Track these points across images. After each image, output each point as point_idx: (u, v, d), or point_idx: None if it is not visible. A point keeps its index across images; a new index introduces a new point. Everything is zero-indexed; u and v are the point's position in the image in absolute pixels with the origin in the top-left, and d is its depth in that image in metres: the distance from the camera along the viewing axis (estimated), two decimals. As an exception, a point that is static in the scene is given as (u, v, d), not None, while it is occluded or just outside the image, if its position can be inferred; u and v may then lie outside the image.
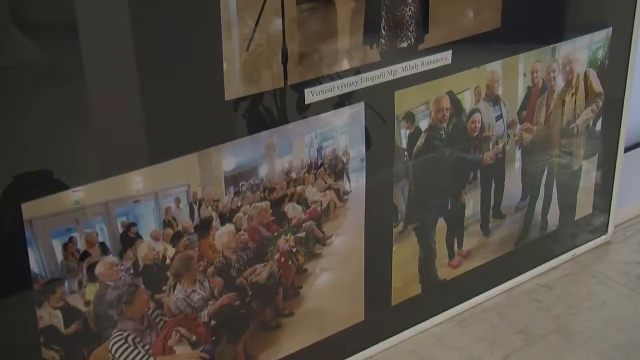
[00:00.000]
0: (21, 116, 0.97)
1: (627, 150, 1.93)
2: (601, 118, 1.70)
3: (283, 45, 1.16)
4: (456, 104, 1.42)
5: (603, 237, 1.83)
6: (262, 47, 1.14)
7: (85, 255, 1.08)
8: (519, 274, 1.69)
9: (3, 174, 0.99)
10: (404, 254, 1.46)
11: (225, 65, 1.12)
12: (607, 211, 1.82)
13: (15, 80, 0.96)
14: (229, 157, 1.17)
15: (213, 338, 1.24)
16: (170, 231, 1.14)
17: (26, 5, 0.95)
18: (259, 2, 1.11)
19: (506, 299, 1.65)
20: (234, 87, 1.14)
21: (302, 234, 1.30)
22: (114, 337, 1.13)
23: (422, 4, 1.29)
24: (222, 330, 1.25)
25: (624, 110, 1.72)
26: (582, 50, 1.59)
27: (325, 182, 1.30)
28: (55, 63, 0.99)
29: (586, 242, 1.81)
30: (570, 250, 1.78)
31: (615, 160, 1.78)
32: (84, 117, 1.04)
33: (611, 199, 1.81)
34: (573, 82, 1.60)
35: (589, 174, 1.75)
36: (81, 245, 1.07)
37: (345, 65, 1.24)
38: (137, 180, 1.09)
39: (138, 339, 1.15)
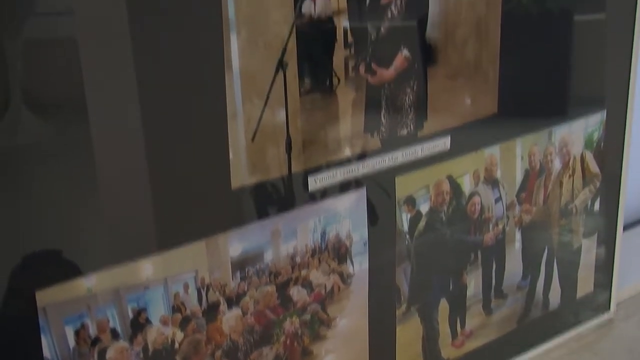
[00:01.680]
0: (32, 198, 1.01)
1: (626, 228, 1.96)
2: (599, 197, 1.74)
3: (287, 135, 1.21)
4: (456, 187, 1.46)
5: (605, 314, 1.85)
6: (267, 137, 1.19)
7: (96, 340, 1.10)
8: (522, 353, 1.71)
9: (14, 258, 1.01)
10: (408, 335, 1.49)
11: (231, 155, 1.16)
12: (609, 289, 1.84)
13: (25, 160, 0.99)
14: (236, 243, 1.21)
15: (220, 421, 1.26)
16: (179, 316, 1.18)
17: (38, 87, 0.99)
18: (263, 95, 1.17)
19: (510, 378, 1.67)
20: (240, 176, 1.18)
21: (307, 317, 1.33)
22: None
23: (420, 92, 1.35)
24: (230, 412, 1.27)
25: (621, 189, 1.76)
26: (577, 133, 1.64)
27: (329, 266, 1.33)
28: (65, 146, 1.02)
29: (589, 320, 1.83)
30: (572, 328, 1.79)
31: (615, 238, 1.81)
32: (95, 203, 1.07)
33: (612, 277, 1.83)
34: (570, 164, 1.65)
35: (589, 252, 1.78)
36: (93, 331, 1.10)
37: (347, 152, 1.29)
38: (147, 267, 1.13)
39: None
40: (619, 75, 1.68)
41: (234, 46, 1.12)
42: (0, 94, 0.96)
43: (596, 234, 1.78)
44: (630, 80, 1.69)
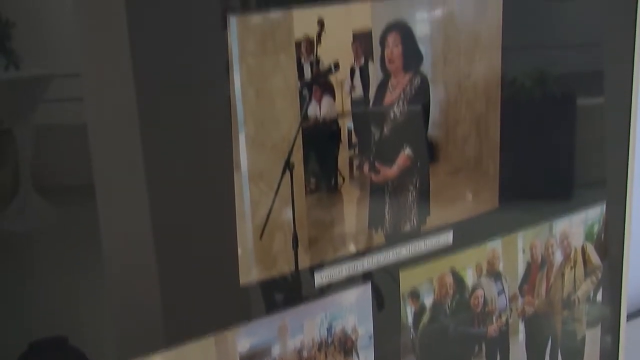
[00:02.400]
0: (38, 284, 1.03)
1: (629, 317, 1.97)
2: (601, 288, 1.76)
3: (294, 232, 1.25)
4: (459, 280, 1.49)
5: (612, 405, 1.86)
6: (274, 234, 1.23)
7: None
8: None
9: (20, 346, 1.03)
10: None
11: (240, 252, 1.20)
12: (614, 379, 1.85)
13: (33, 245, 1.03)
14: (244, 339, 1.23)
15: None
16: (187, 412, 1.19)
17: (47, 172, 1.04)
18: (271, 195, 1.21)
19: None
20: (248, 272, 1.22)
21: (314, 410, 1.34)
22: None
23: (423, 189, 1.39)
24: None
25: (623, 279, 1.79)
26: (578, 226, 1.68)
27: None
28: (73, 233, 1.05)
29: (595, 411, 1.83)
30: (579, 418, 1.80)
31: (619, 328, 1.82)
32: (102, 296, 1.10)
33: (618, 367, 1.85)
34: (571, 256, 1.68)
35: (593, 343, 1.80)
36: None
37: (352, 248, 1.33)
38: (156, 364, 1.15)
39: None
40: (617, 165, 1.72)
41: (243, 147, 1.17)
42: (10, 179, 1.00)
43: (600, 324, 1.80)
44: (629, 171, 1.73)
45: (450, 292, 1.49)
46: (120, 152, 1.08)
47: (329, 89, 1.24)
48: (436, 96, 1.37)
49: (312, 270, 1.29)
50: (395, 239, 1.38)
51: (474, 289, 1.53)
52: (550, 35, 1.56)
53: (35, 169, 1.03)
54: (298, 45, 1.19)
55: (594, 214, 1.70)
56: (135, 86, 1.06)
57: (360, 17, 1.25)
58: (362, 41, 1.26)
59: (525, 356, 1.67)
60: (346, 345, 1.37)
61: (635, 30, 1.66)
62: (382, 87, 1.30)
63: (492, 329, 1.57)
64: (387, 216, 1.37)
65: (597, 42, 1.65)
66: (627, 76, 1.68)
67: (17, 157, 1.01)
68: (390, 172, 1.35)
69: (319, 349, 1.34)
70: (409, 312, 1.44)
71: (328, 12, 1.21)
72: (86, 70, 1.03)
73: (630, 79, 1.68)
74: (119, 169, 1.08)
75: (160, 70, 1.08)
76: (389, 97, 1.31)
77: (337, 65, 1.23)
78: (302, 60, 1.20)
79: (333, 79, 1.24)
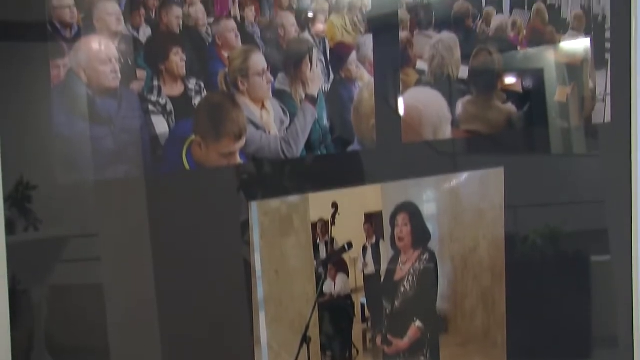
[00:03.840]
0: None
1: None
2: None
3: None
4: None
5: None
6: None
7: None
8: None
9: None
10: None
11: None
12: None
13: None
14: None
15: None
16: None
17: (62, 332, 1.09)
18: (289, 368, 1.27)
19: None
20: None
21: None
22: None
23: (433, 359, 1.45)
24: None
25: None
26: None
27: None
28: None
29: None
30: None
31: None
32: None
33: None
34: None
35: None
36: None
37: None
38: None
39: None
40: (626, 324, 1.77)
41: (262, 324, 1.24)
42: (25, 339, 1.05)
43: None
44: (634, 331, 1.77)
45: None
46: (136, 316, 1.15)
47: (343, 267, 1.33)
48: (444, 271, 1.45)
49: None
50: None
51: None
52: (555, 195, 1.63)
53: (49, 329, 1.09)
54: (314, 226, 1.29)
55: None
56: (155, 275, 1.16)
57: (372, 199, 1.36)
58: (373, 221, 1.36)
59: None
60: None
61: (631, 189, 1.73)
62: (393, 263, 1.39)
63: None
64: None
65: (600, 199, 1.72)
66: (627, 233, 1.75)
67: (32, 318, 1.06)
68: (402, 344, 1.41)
69: None
70: None
71: (342, 195, 1.32)
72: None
73: (630, 237, 1.75)
74: (134, 329, 1.15)
75: (182, 251, 1.18)
76: (399, 273, 1.40)
77: (350, 245, 1.33)
78: (318, 240, 1.30)
79: (347, 257, 1.33)
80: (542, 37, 1.54)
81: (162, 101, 1.16)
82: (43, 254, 1.10)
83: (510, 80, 1.50)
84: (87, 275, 1.13)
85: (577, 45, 1.59)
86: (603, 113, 1.63)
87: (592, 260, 1.71)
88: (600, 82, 1.62)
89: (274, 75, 1.25)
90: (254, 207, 1.23)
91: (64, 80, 1.10)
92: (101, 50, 1.12)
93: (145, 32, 1.15)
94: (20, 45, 1.08)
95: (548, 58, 1.56)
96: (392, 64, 1.36)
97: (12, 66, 1.07)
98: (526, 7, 1.52)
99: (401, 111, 1.37)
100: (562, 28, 1.56)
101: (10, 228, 1.06)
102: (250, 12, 1.22)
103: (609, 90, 1.63)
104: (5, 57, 1.06)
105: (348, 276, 1.33)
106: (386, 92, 1.35)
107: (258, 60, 1.23)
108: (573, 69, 1.58)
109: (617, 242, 1.72)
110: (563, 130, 1.58)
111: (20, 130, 1.07)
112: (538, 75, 1.55)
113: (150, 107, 1.15)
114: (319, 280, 1.30)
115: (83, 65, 1.11)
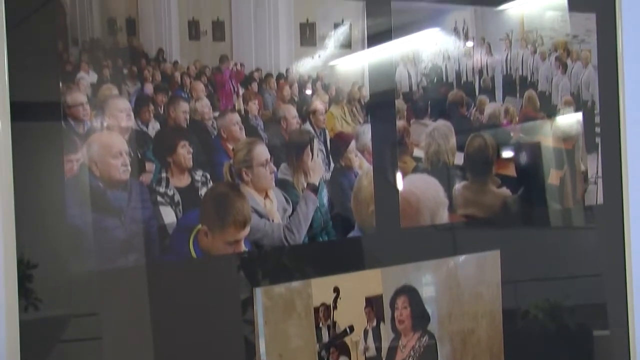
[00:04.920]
0: None
1: None
2: None
3: None
4: None
5: None
6: None
7: None
8: None
9: None
10: None
11: None
12: None
13: None
14: None
15: None
16: None
17: None
18: None
19: None
20: None
21: None
22: None
23: None
24: None
25: None
26: None
27: None
28: None
29: None
30: None
31: None
32: None
33: None
34: None
35: None
36: None
37: None
38: None
39: None
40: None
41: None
42: None
43: None
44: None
45: None
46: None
47: (345, 350, 1.36)
48: (443, 352, 1.48)
49: None
50: None
51: None
52: (552, 269, 1.67)
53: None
54: (316, 310, 1.33)
55: None
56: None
57: (372, 283, 1.40)
58: (374, 304, 1.40)
59: None
60: None
61: (625, 266, 1.77)
62: (394, 345, 1.42)
63: None
64: None
65: (598, 273, 1.76)
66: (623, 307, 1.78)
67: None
68: None
69: None
70: None
71: (343, 280, 1.36)
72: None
73: (626, 311, 1.78)
74: None
75: (188, 337, 1.22)
76: (400, 355, 1.43)
77: (351, 328, 1.36)
78: (320, 324, 1.33)
79: (348, 340, 1.37)
80: (534, 123, 1.60)
81: (170, 192, 1.21)
82: (44, 334, 1.13)
83: (504, 165, 1.56)
84: (90, 357, 1.16)
85: (568, 130, 1.65)
86: (595, 195, 1.68)
87: (592, 334, 1.73)
88: (592, 165, 1.68)
89: (277, 165, 1.30)
90: (259, 293, 1.27)
91: (77, 173, 1.15)
92: (112, 145, 1.17)
93: (154, 127, 1.21)
94: (36, 141, 1.13)
95: (540, 143, 1.61)
96: (390, 152, 1.41)
97: (28, 159, 1.12)
98: (518, 95, 1.58)
99: (399, 197, 1.42)
100: (553, 114, 1.62)
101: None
102: (254, 106, 1.29)
103: (600, 173, 1.68)
104: (22, 151, 1.11)
105: (350, 359, 1.36)
106: (385, 180, 1.40)
107: (261, 152, 1.29)
108: (565, 153, 1.64)
109: (615, 317, 1.75)
110: (557, 212, 1.63)
111: (35, 220, 1.12)
112: (531, 160, 1.61)
113: (159, 198, 1.20)
114: (322, 364, 1.33)
115: (95, 159, 1.16)
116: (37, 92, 1.15)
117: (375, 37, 1.40)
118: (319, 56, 1.35)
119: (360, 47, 1.39)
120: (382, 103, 1.42)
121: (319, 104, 1.34)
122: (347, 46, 1.38)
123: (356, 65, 1.39)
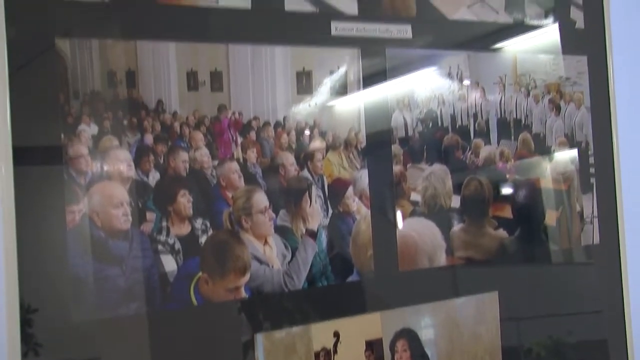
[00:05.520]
0: None
1: None
2: None
3: None
4: None
5: None
6: None
7: None
8: None
9: None
10: None
11: None
12: None
13: None
14: None
15: None
16: None
17: None
18: None
19: None
20: None
21: None
22: None
23: None
24: None
25: None
26: None
27: None
28: None
29: None
30: None
31: None
32: None
33: None
34: None
35: None
36: None
37: None
38: None
39: None
40: None
41: None
42: None
43: None
44: None
45: None
46: None
47: (346, 394, 1.37)
48: (444, 395, 1.49)
49: None
50: None
51: None
52: (555, 306, 1.68)
53: None
54: (317, 355, 1.34)
55: None
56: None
57: (372, 327, 1.41)
58: (374, 348, 1.41)
59: None
60: None
61: (623, 303, 1.78)
62: (394, 389, 1.43)
63: None
64: None
65: (598, 309, 1.76)
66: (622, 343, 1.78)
67: None
68: None
69: None
70: None
71: (343, 324, 1.37)
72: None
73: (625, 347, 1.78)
74: None
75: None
76: (401, 398, 1.44)
77: (352, 373, 1.37)
78: (321, 369, 1.34)
79: (349, 385, 1.38)
80: (529, 164, 1.62)
81: (171, 241, 1.23)
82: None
83: (500, 207, 1.58)
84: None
85: (563, 170, 1.67)
86: (592, 234, 1.70)
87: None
88: (587, 205, 1.70)
89: (276, 212, 1.32)
90: (259, 338, 1.28)
91: (79, 223, 1.17)
92: (113, 195, 1.19)
93: (154, 177, 1.23)
94: (39, 191, 1.15)
95: (536, 184, 1.64)
96: (388, 196, 1.43)
97: (31, 209, 1.14)
98: (512, 137, 1.61)
99: (398, 241, 1.43)
100: (548, 155, 1.65)
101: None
102: (252, 154, 1.31)
103: (596, 213, 1.70)
104: (24, 202, 1.13)
105: (351, 403, 1.37)
106: (383, 224, 1.42)
107: (260, 199, 1.30)
108: (560, 194, 1.66)
109: (615, 353, 1.76)
110: (555, 252, 1.64)
111: (37, 267, 1.14)
112: (527, 201, 1.63)
113: (160, 247, 1.22)
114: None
115: (97, 209, 1.18)
116: (39, 140, 1.17)
117: (371, 83, 1.43)
118: (316, 103, 1.38)
119: (356, 93, 1.42)
120: (378, 148, 1.44)
121: (316, 151, 1.37)
122: (343, 92, 1.41)
123: (352, 112, 1.42)
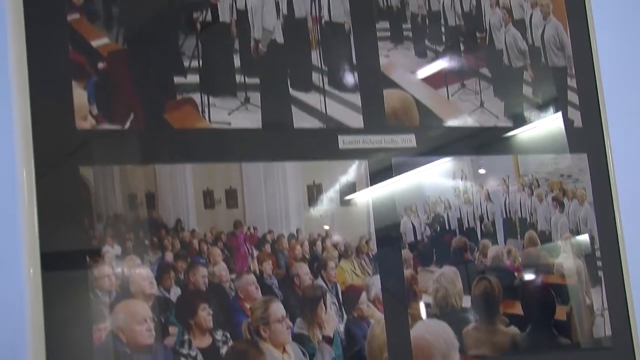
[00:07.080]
0: None
1: None
2: None
3: None
4: None
5: None
6: None
7: None
8: None
9: None
10: None
11: None
12: None
13: None
14: None
15: None
16: None
17: None
18: None
19: None
20: None
21: None
22: None
23: None
24: None
25: None
26: None
27: None
28: None
29: None
30: None
31: None
32: None
33: None
34: None
35: None
36: None
37: None
38: None
39: None
40: None
41: None
42: None
43: None
44: None
45: None
46: None
47: None
48: None
49: None
50: None
51: None
52: None
53: None
54: None
55: None
56: None
57: None
58: None
59: None
60: None
61: None
62: None
63: None
64: None
65: None
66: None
67: None
68: None
69: None
70: None
71: None
72: None
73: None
74: None
75: None
76: None
77: None
78: None
79: None
80: (536, 261, 1.68)
81: (193, 353, 1.28)
82: None
83: (510, 304, 1.62)
84: None
85: (571, 265, 1.72)
86: (603, 327, 1.73)
87: None
88: (597, 298, 1.74)
89: (293, 320, 1.38)
90: None
91: (104, 340, 1.23)
92: (137, 312, 1.26)
93: (175, 292, 1.29)
94: (66, 311, 1.22)
95: (544, 280, 1.68)
96: (400, 300, 1.49)
97: (58, 331, 1.20)
98: (519, 236, 1.67)
99: (412, 344, 1.48)
100: (554, 252, 1.70)
101: None
102: (268, 266, 1.37)
103: (606, 305, 1.74)
104: (52, 322, 1.20)
105: None
106: (396, 327, 1.47)
107: (277, 309, 1.36)
108: (569, 288, 1.71)
109: None
110: (566, 346, 1.68)
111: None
112: (536, 297, 1.67)
113: (182, 360, 1.27)
114: None
115: (121, 326, 1.24)
116: (65, 265, 1.24)
117: (379, 191, 1.50)
118: (327, 214, 1.44)
119: (365, 201, 1.49)
120: (389, 254, 1.50)
121: (329, 260, 1.43)
122: (353, 202, 1.48)
123: (362, 220, 1.48)
